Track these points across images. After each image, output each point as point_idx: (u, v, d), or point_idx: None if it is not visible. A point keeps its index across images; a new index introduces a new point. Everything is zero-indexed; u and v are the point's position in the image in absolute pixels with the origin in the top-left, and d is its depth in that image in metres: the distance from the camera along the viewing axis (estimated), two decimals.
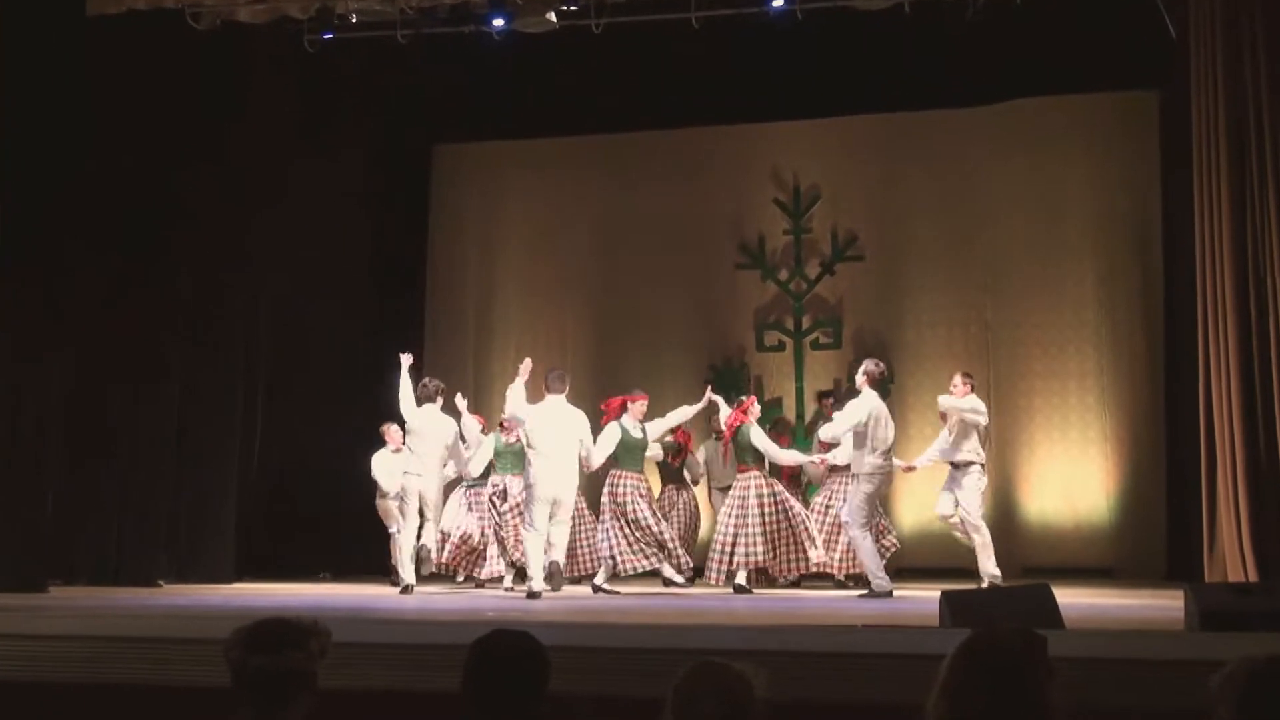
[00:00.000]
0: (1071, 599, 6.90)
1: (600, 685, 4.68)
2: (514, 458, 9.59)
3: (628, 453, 9.36)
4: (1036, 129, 12.15)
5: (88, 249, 9.76)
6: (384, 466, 10.26)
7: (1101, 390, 11.97)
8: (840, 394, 11.44)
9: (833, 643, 5.29)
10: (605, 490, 9.44)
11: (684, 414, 9.67)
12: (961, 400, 9.10)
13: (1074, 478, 11.89)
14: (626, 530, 9.16)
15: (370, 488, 10.57)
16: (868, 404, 8.89)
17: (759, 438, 9.61)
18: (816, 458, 10.03)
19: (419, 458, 9.52)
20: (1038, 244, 12.18)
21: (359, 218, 12.60)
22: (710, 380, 11.36)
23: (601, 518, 9.41)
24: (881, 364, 9.53)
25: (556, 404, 8.99)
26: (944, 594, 6.02)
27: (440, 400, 9.64)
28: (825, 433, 9.36)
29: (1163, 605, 7.10)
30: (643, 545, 9.12)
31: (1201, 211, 9.16)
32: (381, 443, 10.51)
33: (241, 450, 10.92)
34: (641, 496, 9.33)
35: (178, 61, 10.29)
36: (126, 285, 10.10)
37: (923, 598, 8.42)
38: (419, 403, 9.53)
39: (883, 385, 9.35)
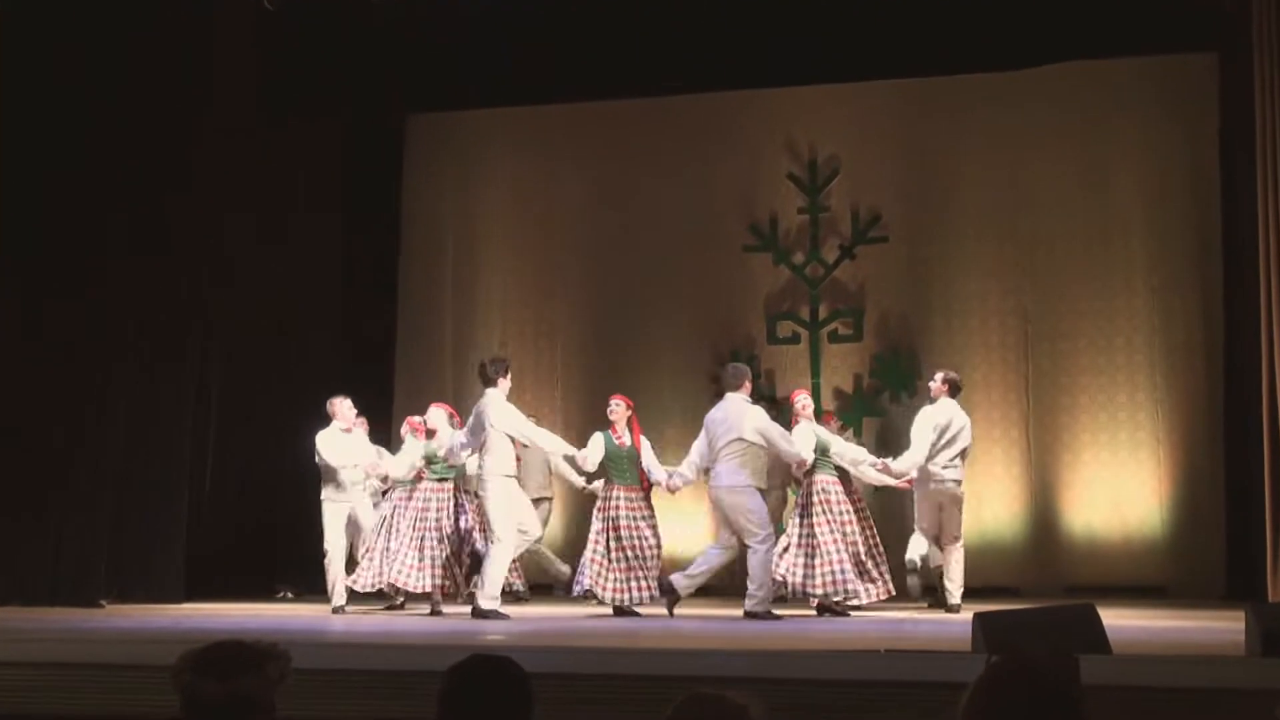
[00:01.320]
0: (1120, 620, 6.92)
1: (588, 716, 4.72)
2: (444, 466, 9.78)
3: (612, 464, 9.50)
4: (1082, 96, 12.19)
5: (17, 254, 10.10)
6: (334, 444, 10.12)
7: (1154, 387, 12.01)
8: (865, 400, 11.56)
9: (853, 669, 5.33)
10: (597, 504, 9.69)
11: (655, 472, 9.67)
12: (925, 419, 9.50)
13: (1123, 486, 11.94)
14: (609, 552, 9.34)
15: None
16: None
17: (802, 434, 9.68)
18: (874, 461, 9.96)
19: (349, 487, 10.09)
20: (1083, 224, 12.22)
21: (324, 202, 12.75)
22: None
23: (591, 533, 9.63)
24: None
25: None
26: (977, 616, 6.02)
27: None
28: (909, 463, 9.55)
29: (1222, 627, 7.11)
30: (620, 571, 9.31)
31: (1265, 187, 9.16)
32: (326, 420, 10.31)
33: (193, 458, 11.03)
34: (634, 512, 9.44)
35: (111, 29, 10.41)
36: (63, 293, 10.31)
37: (953, 619, 8.65)
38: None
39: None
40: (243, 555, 11.67)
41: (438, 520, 9.65)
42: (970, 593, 9.85)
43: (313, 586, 10.81)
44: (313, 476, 10.34)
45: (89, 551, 10.34)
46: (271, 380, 11.87)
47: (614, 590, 9.32)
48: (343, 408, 10.08)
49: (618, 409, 9.60)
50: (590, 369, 13.11)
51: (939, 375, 10.08)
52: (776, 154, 12.99)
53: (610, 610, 9.34)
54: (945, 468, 9.53)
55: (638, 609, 9.29)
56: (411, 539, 9.61)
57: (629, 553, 9.30)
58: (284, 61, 11.73)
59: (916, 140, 12.69)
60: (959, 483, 9.57)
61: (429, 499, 9.72)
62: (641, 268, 13.12)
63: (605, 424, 9.90)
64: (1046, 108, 12.29)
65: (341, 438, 10.18)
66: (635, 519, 9.38)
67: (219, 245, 11.22)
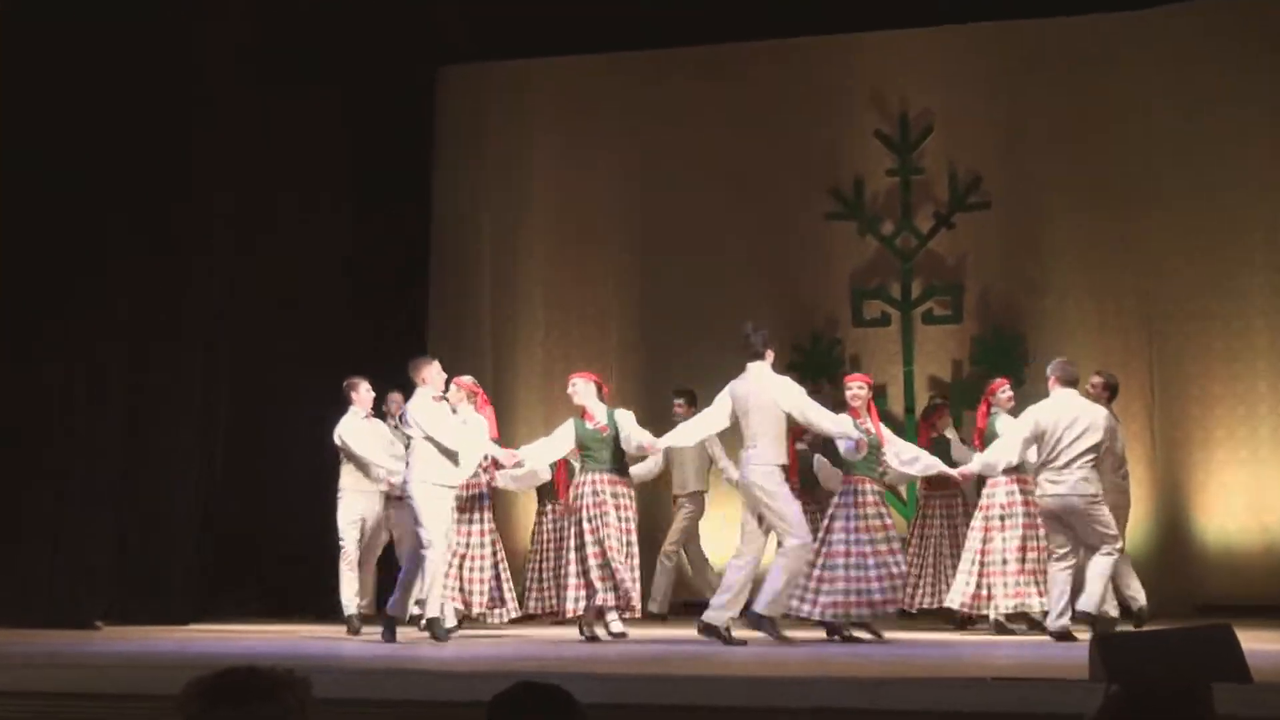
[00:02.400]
0: (1262, 644, 6.92)
1: None
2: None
3: (585, 449, 9.47)
4: (1216, 38, 12.19)
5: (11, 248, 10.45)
6: (361, 434, 10.16)
7: None
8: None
9: (957, 699, 5.33)
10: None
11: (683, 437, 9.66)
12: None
13: (1264, 488, 11.89)
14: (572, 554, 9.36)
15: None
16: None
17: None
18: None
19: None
20: (1218, 188, 12.17)
21: (341, 174, 12.87)
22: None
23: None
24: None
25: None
26: (1095, 638, 5.99)
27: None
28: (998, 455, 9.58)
29: None
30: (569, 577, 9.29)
31: None
32: (346, 404, 10.34)
33: (200, 463, 11.19)
34: (609, 504, 9.28)
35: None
36: (60, 290, 10.65)
37: (1066, 642, 8.57)
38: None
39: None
40: (258, 570, 11.83)
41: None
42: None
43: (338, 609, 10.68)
44: (336, 479, 10.39)
45: (84, 567, 10.52)
46: (287, 374, 12.06)
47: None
48: (362, 390, 10.13)
49: (580, 387, 9.49)
50: (648, 359, 13.21)
51: (1098, 378, 10.08)
52: (862, 109, 13.04)
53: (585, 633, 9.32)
54: (1058, 476, 9.22)
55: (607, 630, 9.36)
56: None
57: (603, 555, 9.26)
58: (290, 25, 11.98)
59: (1023, 91, 12.75)
60: (1085, 497, 9.21)
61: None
62: (706, 242, 13.16)
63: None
64: (1173, 52, 12.30)
65: (366, 425, 10.29)
66: (605, 515, 9.23)
67: (223, 239, 11.56)
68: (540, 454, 9.56)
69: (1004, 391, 10.13)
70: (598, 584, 9.01)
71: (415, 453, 9.35)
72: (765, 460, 8.92)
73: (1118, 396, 10.38)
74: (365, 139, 13.06)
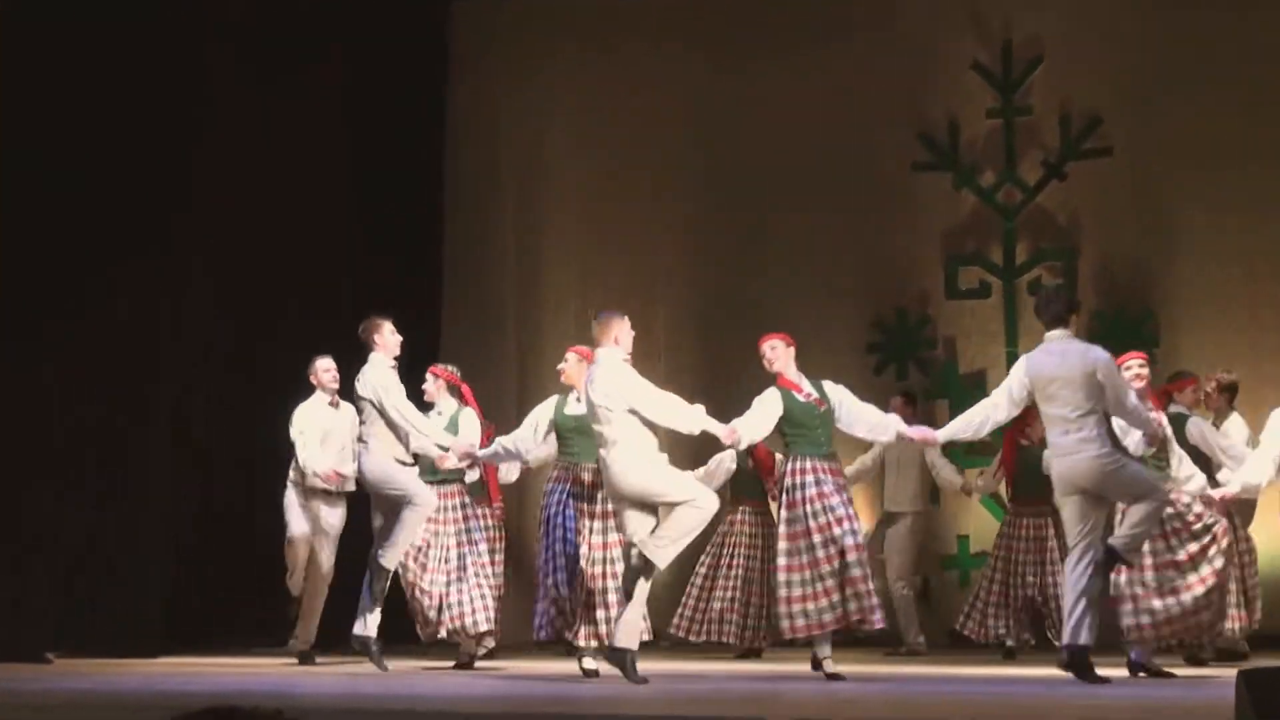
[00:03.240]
0: None
1: None
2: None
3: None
4: None
5: None
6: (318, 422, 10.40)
7: None
8: None
9: None
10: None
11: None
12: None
13: None
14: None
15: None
16: None
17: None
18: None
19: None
20: None
21: (337, 126, 13.07)
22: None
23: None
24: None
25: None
26: (1242, 674, 5.98)
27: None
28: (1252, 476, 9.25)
29: None
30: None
31: None
32: (309, 389, 10.53)
33: (173, 475, 11.40)
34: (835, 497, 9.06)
35: None
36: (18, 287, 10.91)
37: (1209, 677, 8.68)
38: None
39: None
40: (242, 595, 11.83)
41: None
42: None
43: (333, 637, 10.83)
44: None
45: (34, 590, 10.64)
46: (280, 359, 12.05)
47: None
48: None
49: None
50: (704, 338, 13.25)
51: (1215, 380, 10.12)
52: (956, 37, 13.08)
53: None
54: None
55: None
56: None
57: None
58: None
59: (1151, 15, 12.69)
60: None
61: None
62: (768, 199, 13.19)
63: (727, 407, 9.63)
64: None
65: (328, 414, 10.55)
66: (833, 510, 8.98)
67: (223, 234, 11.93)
68: (755, 428, 9.04)
69: (1137, 366, 9.29)
70: (852, 598, 8.83)
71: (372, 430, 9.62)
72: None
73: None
74: (374, 86, 13.31)
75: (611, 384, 8.55)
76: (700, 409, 8.95)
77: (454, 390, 10.16)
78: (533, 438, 9.46)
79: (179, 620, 11.36)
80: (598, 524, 9.10)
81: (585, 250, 13.84)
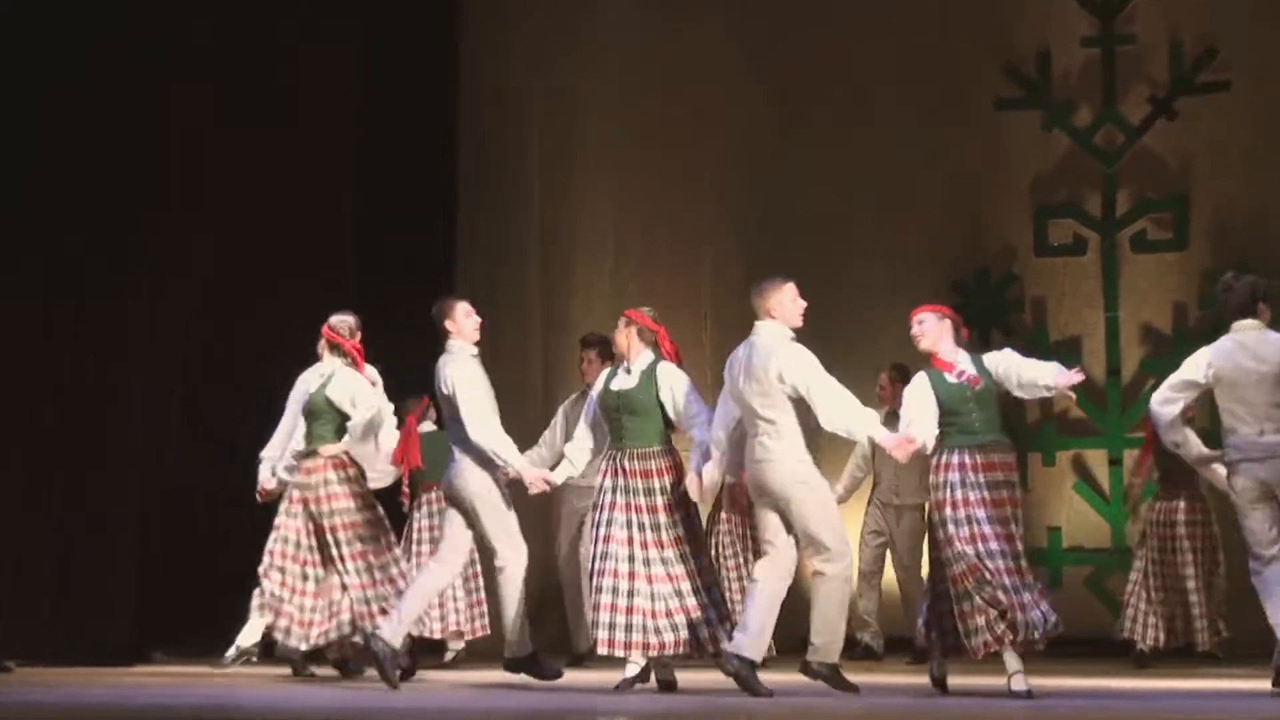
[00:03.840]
0: None
1: None
2: None
3: (951, 414, 8.68)
4: None
5: None
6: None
7: None
8: None
9: None
10: None
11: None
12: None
13: None
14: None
15: None
16: None
17: None
18: None
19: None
20: None
21: (344, 79, 12.94)
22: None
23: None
24: None
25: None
26: None
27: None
28: None
29: None
30: None
31: None
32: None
33: (154, 465, 11.36)
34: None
35: None
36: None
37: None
38: None
39: None
40: (227, 596, 11.11)
41: None
42: None
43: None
44: None
45: None
46: (278, 333, 11.85)
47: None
48: (459, 315, 9.36)
49: (931, 325, 8.61)
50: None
51: None
52: None
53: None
54: None
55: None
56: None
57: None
58: None
59: None
60: None
61: None
62: (830, 143, 12.90)
63: None
64: None
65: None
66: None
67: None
68: (927, 429, 8.43)
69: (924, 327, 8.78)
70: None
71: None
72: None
73: None
74: (382, 34, 13.15)
75: (787, 362, 8.36)
76: (874, 414, 8.71)
77: (336, 349, 9.76)
78: (589, 432, 9.13)
79: (154, 624, 11.20)
80: (647, 519, 8.77)
81: (620, 209, 13.42)
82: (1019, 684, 8.19)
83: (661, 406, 8.76)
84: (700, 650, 8.64)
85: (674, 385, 8.72)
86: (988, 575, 8.16)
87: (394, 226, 12.95)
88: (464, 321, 9.19)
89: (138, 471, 11.32)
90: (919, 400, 8.49)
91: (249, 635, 9.58)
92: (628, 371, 8.90)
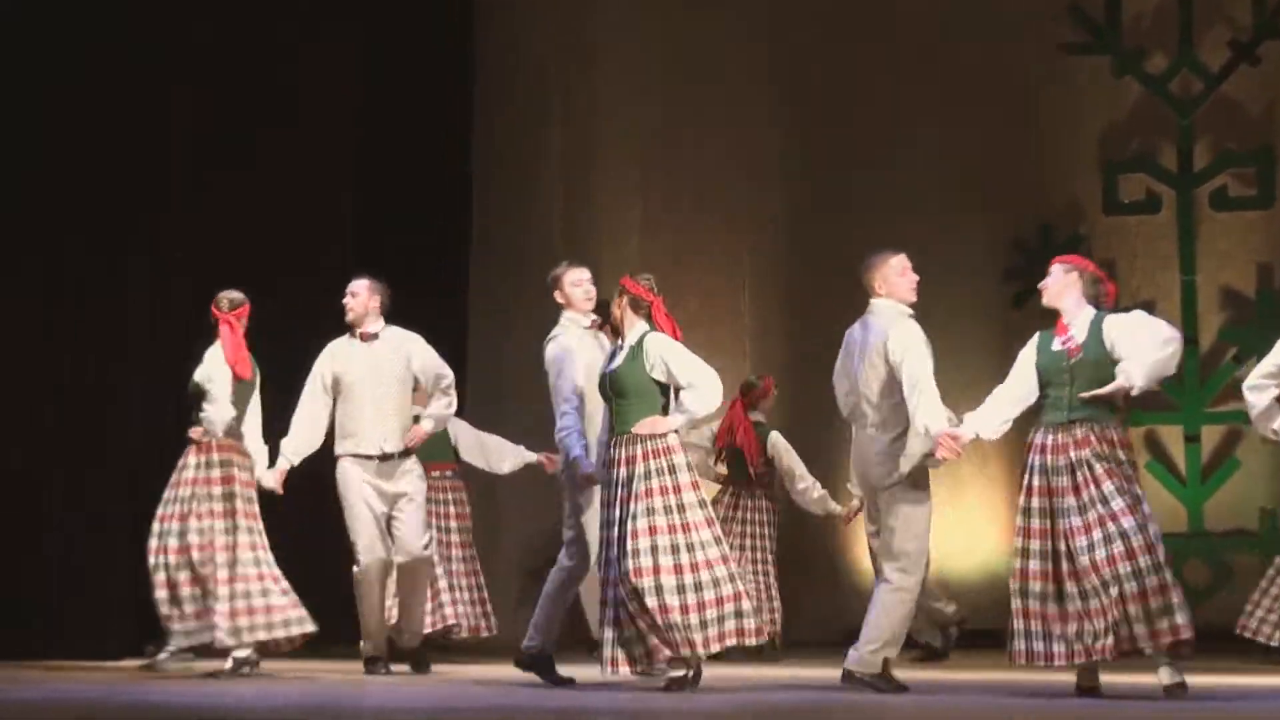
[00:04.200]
0: None
1: None
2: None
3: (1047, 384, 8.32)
4: None
5: None
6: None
7: None
8: None
9: None
10: None
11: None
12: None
13: None
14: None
15: None
16: None
17: None
18: None
19: None
20: None
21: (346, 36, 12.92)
22: None
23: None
24: None
25: None
26: None
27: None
28: None
29: None
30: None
31: None
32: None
33: (153, 465, 10.82)
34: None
35: None
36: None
37: None
38: None
39: None
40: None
41: None
42: None
43: (339, 634, 10.54)
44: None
45: None
46: (278, 333, 11.55)
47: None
48: (567, 284, 9.26)
49: (1059, 277, 8.09)
50: (801, 264, 12.74)
51: None
52: None
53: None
54: None
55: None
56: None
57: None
58: None
59: None
60: None
61: None
62: (883, 90, 12.75)
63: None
64: None
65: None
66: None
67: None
68: (993, 412, 8.05)
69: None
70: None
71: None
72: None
73: None
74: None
75: (894, 336, 8.10)
76: (944, 414, 8.26)
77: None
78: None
79: (154, 624, 10.59)
80: (640, 506, 8.37)
81: (646, 167, 13.23)
82: (1167, 678, 7.70)
83: (659, 384, 8.42)
84: (757, 636, 8.38)
85: (664, 353, 8.31)
86: (1089, 578, 7.63)
87: (394, 226, 12.97)
88: (572, 291, 8.96)
89: (138, 471, 11.19)
90: (1013, 372, 8.05)
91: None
92: (621, 349, 8.62)
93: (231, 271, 11.63)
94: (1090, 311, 7.87)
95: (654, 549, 8.14)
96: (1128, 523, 7.54)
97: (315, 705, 7.96)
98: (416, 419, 9.84)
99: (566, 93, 13.53)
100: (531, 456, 10.82)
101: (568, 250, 12.61)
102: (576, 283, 9.04)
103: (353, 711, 7.65)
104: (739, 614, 8.18)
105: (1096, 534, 7.57)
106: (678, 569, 8.11)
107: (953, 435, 7.92)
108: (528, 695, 8.32)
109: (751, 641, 8.35)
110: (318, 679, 9.49)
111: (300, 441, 9.65)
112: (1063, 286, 7.91)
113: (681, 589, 8.11)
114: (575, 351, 9.00)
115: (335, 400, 9.58)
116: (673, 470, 8.23)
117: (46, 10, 11.45)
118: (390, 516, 9.80)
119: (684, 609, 8.05)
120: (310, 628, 9.47)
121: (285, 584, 9.55)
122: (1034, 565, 7.74)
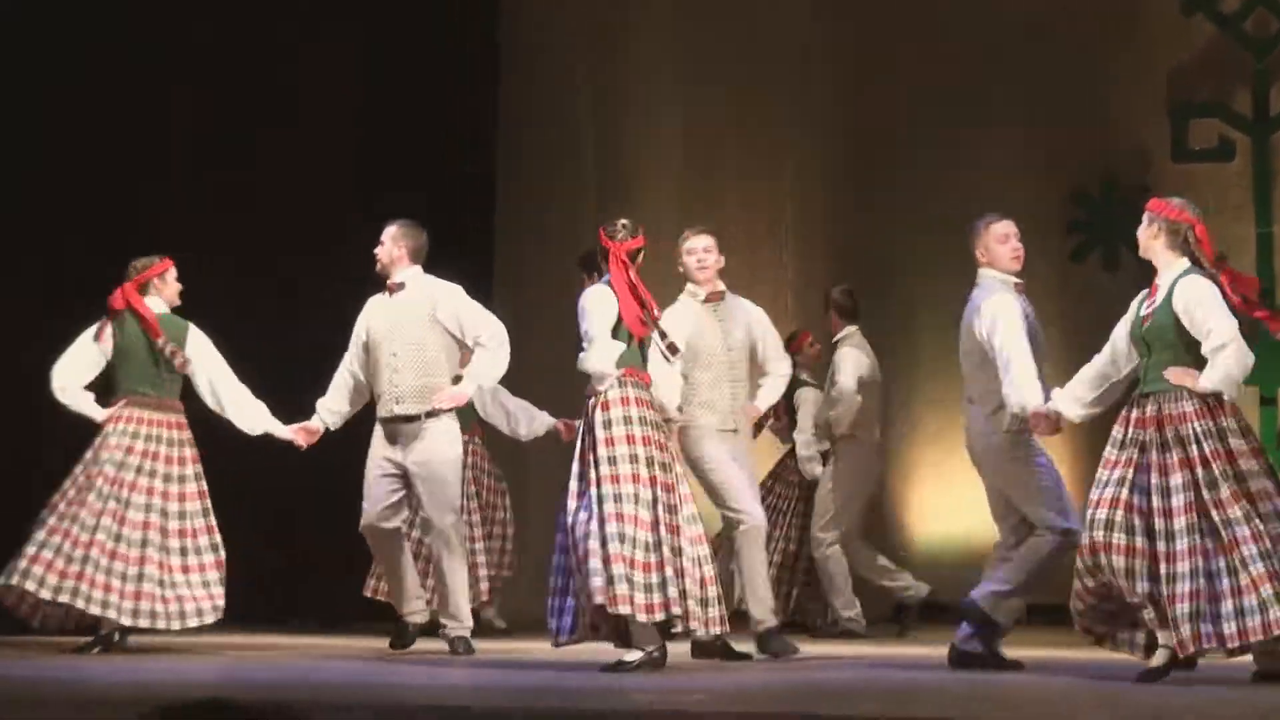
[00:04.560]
0: None
1: None
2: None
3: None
4: None
5: None
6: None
7: None
8: None
9: None
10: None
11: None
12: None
13: None
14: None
15: None
16: None
17: None
18: None
19: None
20: None
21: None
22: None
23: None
24: None
25: None
26: None
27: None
28: None
29: None
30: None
31: None
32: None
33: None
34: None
35: None
36: None
37: None
38: None
39: None
40: (257, 558, 11.46)
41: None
42: None
43: (348, 607, 10.97)
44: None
45: None
46: (278, 333, 12.15)
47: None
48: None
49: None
50: (848, 216, 12.77)
51: None
52: None
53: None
54: None
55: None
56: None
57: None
58: None
59: None
60: None
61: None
62: (934, 31, 12.68)
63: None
64: None
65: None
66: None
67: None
68: (1081, 387, 7.89)
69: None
70: None
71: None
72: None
73: None
74: None
75: (984, 311, 8.01)
76: (1038, 390, 8.05)
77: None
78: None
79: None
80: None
81: (688, 101, 13.18)
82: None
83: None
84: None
85: (584, 307, 8.24)
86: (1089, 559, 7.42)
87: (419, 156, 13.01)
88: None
89: None
90: (1110, 341, 7.66)
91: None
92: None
93: (231, 271, 12.04)
94: (1180, 266, 7.36)
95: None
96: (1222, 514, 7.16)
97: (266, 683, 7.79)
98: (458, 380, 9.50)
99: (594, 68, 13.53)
100: (551, 422, 10.47)
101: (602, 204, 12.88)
102: (690, 251, 8.96)
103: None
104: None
105: (1184, 519, 7.17)
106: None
107: (1045, 414, 7.70)
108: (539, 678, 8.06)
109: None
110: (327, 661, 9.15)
111: (331, 402, 9.51)
112: (1147, 239, 7.46)
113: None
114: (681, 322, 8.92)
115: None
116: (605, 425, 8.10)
117: (46, 10, 11.79)
118: (409, 487, 9.44)
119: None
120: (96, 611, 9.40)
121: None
122: (1180, 545, 7.15)
